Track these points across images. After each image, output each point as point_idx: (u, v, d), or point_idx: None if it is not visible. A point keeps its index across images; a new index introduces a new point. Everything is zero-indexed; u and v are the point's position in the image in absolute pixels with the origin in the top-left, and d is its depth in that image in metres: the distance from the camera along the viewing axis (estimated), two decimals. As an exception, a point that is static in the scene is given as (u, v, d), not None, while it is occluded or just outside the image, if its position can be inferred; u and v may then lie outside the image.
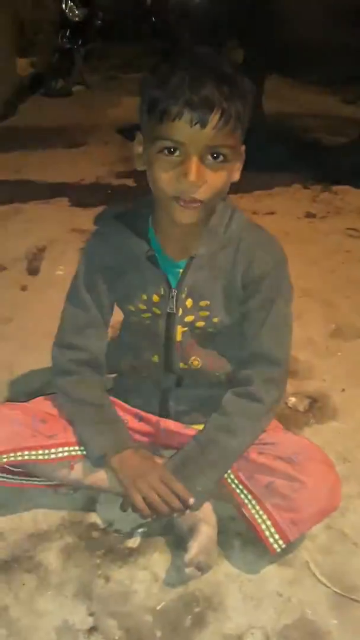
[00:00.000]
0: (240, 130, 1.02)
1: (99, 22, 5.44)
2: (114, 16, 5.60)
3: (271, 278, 1.13)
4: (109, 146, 3.67)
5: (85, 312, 1.20)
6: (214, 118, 0.96)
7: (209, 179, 1.00)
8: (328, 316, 1.99)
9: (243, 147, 1.07)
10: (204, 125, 0.96)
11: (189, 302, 1.14)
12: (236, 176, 1.08)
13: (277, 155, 3.24)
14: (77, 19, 5.05)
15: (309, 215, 2.83)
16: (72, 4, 5.11)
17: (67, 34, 5.06)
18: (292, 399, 1.58)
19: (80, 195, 2.93)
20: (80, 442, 1.17)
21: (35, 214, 2.72)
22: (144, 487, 1.09)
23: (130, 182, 3.09)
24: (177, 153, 1.00)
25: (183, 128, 0.97)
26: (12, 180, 3.12)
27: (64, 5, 5.11)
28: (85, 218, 2.62)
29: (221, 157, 1.00)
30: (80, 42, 5.12)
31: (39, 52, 5.03)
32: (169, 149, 1.00)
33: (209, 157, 1.00)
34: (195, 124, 0.96)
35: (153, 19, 5.76)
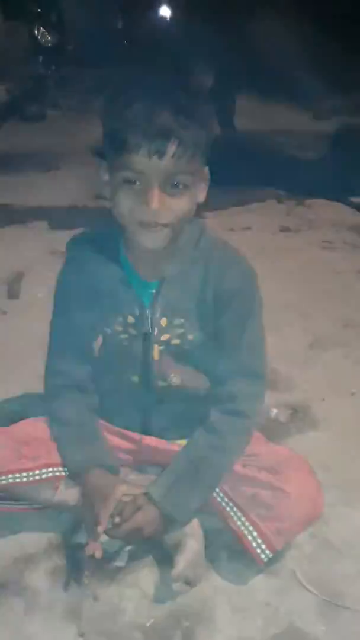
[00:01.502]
0: (200, 154, 1.04)
1: (71, 47, 5.50)
2: (86, 40, 5.67)
3: (242, 294, 1.15)
4: (85, 168, 3.69)
5: (65, 338, 1.22)
6: (171, 148, 0.98)
7: (171, 206, 1.02)
8: (306, 328, 2.02)
9: (206, 170, 1.09)
10: (161, 156, 0.98)
11: (163, 321, 1.16)
12: (201, 197, 1.10)
13: (250, 171, 3.29)
14: (49, 44, 5.11)
15: (284, 229, 2.88)
16: (43, 29, 5.18)
17: (40, 59, 5.11)
18: (274, 410, 1.61)
19: (58, 218, 2.94)
20: (61, 461, 1.18)
21: (14, 238, 2.73)
22: (96, 504, 1.10)
23: (107, 204, 3.11)
24: (138, 183, 1.02)
25: (142, 160, 0.99)
26: (-11, 205, 3.13)
27: (36, 31, 5.17)
28: (64, 240, 2.56)
29: (181, 185, 1.02)
30: (53, 67, 5.18)
31: (13, 78, 5.07)
32: (129, 181, 1.02)
33: (169, 185, 1.02)
34: (153, 155, 0.98)
35: (125, 42, 5.86)
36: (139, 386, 1.22)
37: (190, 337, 1.17)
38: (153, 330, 1.16)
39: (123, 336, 1.18)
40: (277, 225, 2.91)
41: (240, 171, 3.15)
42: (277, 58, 3.40)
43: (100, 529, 1.07)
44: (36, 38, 5.19)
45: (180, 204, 1.04)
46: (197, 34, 3.47)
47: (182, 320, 1.16)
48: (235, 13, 3.28)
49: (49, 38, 5.21)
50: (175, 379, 1.21)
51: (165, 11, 4.91)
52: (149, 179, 1.01)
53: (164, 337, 1.17)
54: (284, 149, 3.99)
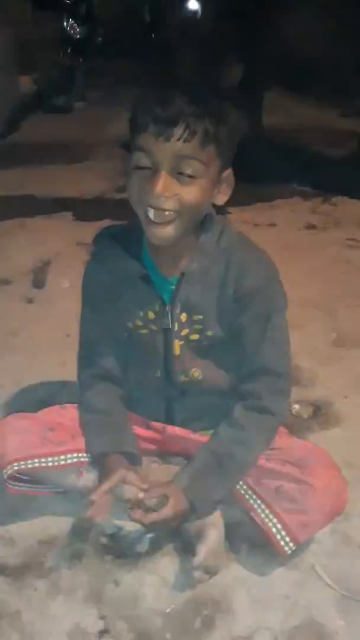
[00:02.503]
0: (216, 150, 1.03)
1: (100, 39, 5.52)
2: (114, 33, 5.68)
3: (263, 292, 1.15)
4: (111, 161, 3.71)
5: (93, 330, 1.25)
6: (179, 131, 0.99)
7: (177, 193, 1.02)
8: (329, 325, 2.01)
9: (228, 172, 1.08)
10: (167, 138, 0.99)
11: (183, 317, 1.17)
12: (221, 199, 1.10)
13: (277, 168, 3.28)
14: (78, 36, 5.14)
15: (309, 226, 2.87)
16: (72, 21, 5.20)
17: (68, 51, 5.14)
18: (296, 406, 1.61)
19: (83, 209, 2.97)
20: (86, 447, 1.20)
21: (40, 229, 2.76)
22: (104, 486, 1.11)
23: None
24: (148, 169, 1.03)
25: (150, 139, 1.01)
26: (17, 196, 3.16)
27: (65, 23, 5.19)
28: (89, 232, 2.62)
29: (190, 172, 1.02)
30: (81, 59, 5.20)
31: (41, 69, 5.10)
32: (140, 166, 1.03)
33: (178, 171, 1.02)
34: (161, 136, 1.00)
35: (153, 35, 5.86)
36: (162, 381, 1.23)
37: (209, 333, 1.18)
38: (173, 325, 1.17)
39: (143, 331, 1.20)
40: (302, 222, 2.90)
41: (267, 167, 3.14)
42: (306, 54, 3.37)
43: (94, 496, 1.08)
44: (65, 29, 5.22)
45: (188, 193, 1.03)
46: (226, 28, 3.46)
47: (201, 316, 1.17)
48: (266, 7, 3.26)
49: (77, 30, 5.23)
50: (196, 374, 1.22)
51: (193, 4, 4.89)
52: (157, 161, 1.01)
53: (184, 332, 1.18)
54: (311, 145, 3.98)
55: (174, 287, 1.16)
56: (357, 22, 3.13)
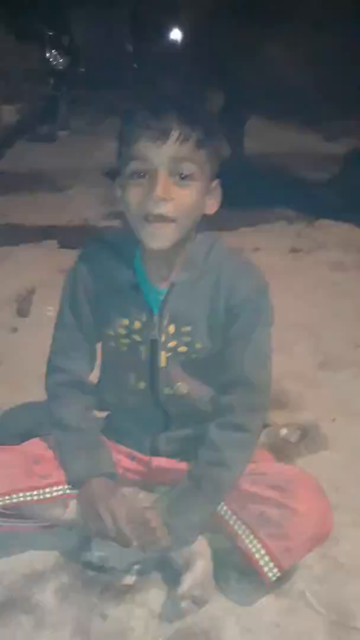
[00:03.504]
0: (207, 155, 1.07)
1: (82, 69, 5.60)
2: (97, 63, 5.76)
3: (252, 304, 1.15)
4: (95, 188, 3.74)
5: (69, 334, 1.23)
6: (174, 134, 1.03)
7: (176, 196, 1.05)
8: (316, 348, 2.02)
9: (215, 182, 1.12)
10: (164, 139, 1.03)
11: (171, 328, 1.17)
12: (211, 209, 1.13)
13: (260, 193, 3.32)
14: (60, 66, 5.21)
15: (294, 250, 2.89)
16: (55, 52, 5.28)
17: (52, 81, 5.21)
18: (284, 430, 1.60)
19: (68, 237, 2.97)
20: (62, 468, 1.19)
21: (24, 257, 2.76)
22: (101, 509, 1.12)
23: (117, 223, 3.15)
24: (145, 177, 1.05)
25: (147, 145, 1.04)
26: (1, 225, 3.17)
27: (47, 54, 5.27)
28: (74, 259, 2.66)
29: (186, 173, 1.05)
30: (64, 89, 5.27)
31: (24, 99, 5.16)
32: (138, 173, 1.06)
33: (175, 175, 1.05)
34: (157, 139, 1.03)
35: (135, 65, 5.95)
36: (146, 393, 1.22)
37: (197, 345, 1.17)
38: (160, 336, 1.17)
39: (124, 340, 1.19)
40: (287, 246, 2.93)
41: (250, 192, 3.17)
42: (287, 79, 3.43)
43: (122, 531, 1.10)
44: (48, 60, 5.29)
45: (185, 197, 1.06)
46: (207, 57, 3.52)
47: (190, 328, 1.17)
48: (246, 36, 3.33)
49: (60, 60, 5.31)
50: (182, 388, 1.21)
51: (175, 34, 4.99)
52: (154, 165, 1.04)
53: (171, 344, 1.18)
54: (294, 170, 4.03)
55: (162, 297, 1.16)
56: (337, 46, 3.19)
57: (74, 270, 1.23)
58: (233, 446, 1.16)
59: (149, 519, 1.11)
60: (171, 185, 1.04)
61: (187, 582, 1.10)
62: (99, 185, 3.76)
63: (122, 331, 1.19)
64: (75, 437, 1.20)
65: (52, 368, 1.25)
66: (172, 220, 1.06)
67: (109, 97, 5.68)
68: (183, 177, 1.05)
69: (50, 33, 5.25)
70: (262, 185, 3.41)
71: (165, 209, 1.04)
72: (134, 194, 1.06)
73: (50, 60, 5.17)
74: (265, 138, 4.53)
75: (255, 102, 3.73)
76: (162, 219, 1.05)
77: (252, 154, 3.87)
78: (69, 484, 1.18)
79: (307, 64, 3.27)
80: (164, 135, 1.03)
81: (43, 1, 5.18)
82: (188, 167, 1.05)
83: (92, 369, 1.27)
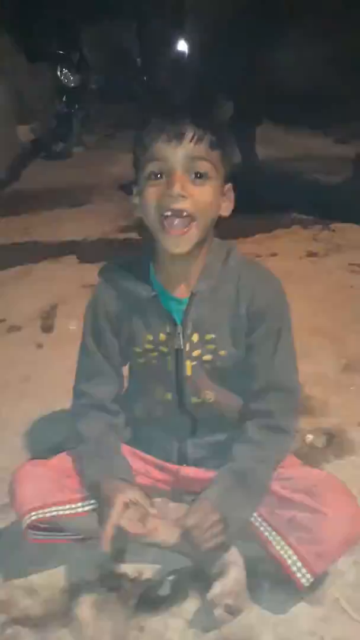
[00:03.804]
0: (221, 156, 1.11)
1: (93, 85, 5.68)
2: (108, 79, 5.84)
3: (274, 308, 1.18)
4: (112, 202, 3.78)
5: (92, 361, 1.26)
6: (190, 133, 1.08)
7: (193, 193, 1.08)
8: (338, 352, 2.02)
9: (229, 186, 1.16)
10: (180, 139, 1.08)
11: (195, 337, 1.19)
12: (225, 211, 1.16)
13: (275, 198, 3.33)
14: (72, 84, 5.30)
15: (311, 254, 2.90)
16: (67, 71, 5.36)
17: (64, 99, 5.29)
18: (310, 436, 1.61)
19: (88, 251, 3.02)
20: (80, 476, 1.21)
21: (46, 273, 2.80)
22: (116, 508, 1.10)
23: (134, 236, 3.18)
24: (163, 177, 1.09)
25: (163, 146, 1.08)
26: (21, 242, 3.22)
27: (59, 73, 5.36)
28: (94, 273, 2.68)
29: (201, 172, 1.09)
30: (76, 106, 5.35)
31: (38, 118, 5.24)
32: (155, 173, 1.09)
33: (191, 173, 1.09)
34: (173, 139, 1.08)
35: (145, 78, 6.02)
36: (173, 404, 1.24)
37: (222, 352, 1.19)
38: (185, 346, 1.19)
39: (153, 354, 1.21)
40: (303, 250, 2.93)
41: (265, 198, 3.19)
42: (296, 85, 3.45)
43: (106, 535, 1.08)
44: (60, 79, 5.38)
45: (202, 194, 1.09)
46: (215, 66, 3.55)
47: (213, 335, 1.18)
48: (253, 42, 3.35)
49: (71, 78, 5.40)
50: (209, 396, 1.23)
51: (182, 46, 5.03)
52: (171, 165, 1.08)
53: (196, 352, 1.20)
54: (307, 174, 4.04)
55: (184, 307, 1.18)
56: (344, 48, 3.20)
57: (94, 298, 1.26)
58: (274, 446, 1.17)
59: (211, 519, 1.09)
60: (188, 183, 1.08)
61: (218, 587, 1.11)
62: (115, 199, 3.81)
63: (149, 346, 1.21)
64: (93, 447, 1.22)
65: (77, 392, 1.28)
66: (192, 218, 1.09)
67: (120, 111, 5.76)
68: (199, 176, 1.09)
69: (61, 52, 5.34)
70: (276, 191, 3.42)
71: (183, 204, 1.07)
72: (151, 193, 1.10)
73: (62, 78, 5.26)
74: (277, 144, 4.55)
75: (264, 109, 3.75)
76: (181, 214, 1.08)
77: (264, 160, 3.88)
78: (87, 489, 1.19)
79: (316, 68, 3.28)
80: (179, 136, 1.07)
81: (52, 21, 5.27)
82: (203, 166, 1.09)
83: (118, 390, 1.28)
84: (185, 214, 1.08)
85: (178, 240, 1.10)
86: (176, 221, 1.08)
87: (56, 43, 5.38)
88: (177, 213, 1.08)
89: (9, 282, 2.73)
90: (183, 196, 1.07)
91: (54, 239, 3.23)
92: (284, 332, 1.19)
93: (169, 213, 1.08)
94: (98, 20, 5.75)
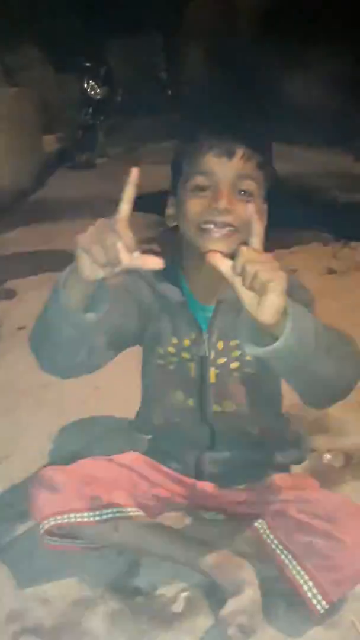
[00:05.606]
0: (263, 176, 1.13)
1: (119, 98, 5.75)
2: (133, 92, 5.90)
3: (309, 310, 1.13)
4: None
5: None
6: (240, 152, 1.10)
7: (237, 209, 1.09)
8: (357, 371, 2.00)
9: (265, 205, 1.16)
10: (231, 156, 1.09)
11: (220, 345, 1.19)
12: None
13: (294, 214, 3.33)
14: (98, 96, 5.37)
15: (331, 271, 2.89)
16: (93, 83, 5.44)
17: (90, 110, 5.36)
18: (328, 456, 1.59)
19: (107, 262, 3.02)
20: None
21: (66, 282, 2.81)
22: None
23: (155, 247, 3.19)
24: (207, 191, 1.10)
25: (213, 160, 1.10)
26: (44, 250, 3.24)
27: (85, 85, 5.43)
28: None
29: (246, 190, 1.11)
30: (102, 118, 5.42)
31: (64, 128, 5.31)
32: (201, 187, 1.11)
33: (237, 189, 1.10)
34: (224, 155, 1.09)
35: (169, 92, 6.07)
36: (194, 411, 1.23)
37: (248, 357, 1.18)
38: (209, 353, 1.19)
39: (173, 359, 1.22)
40: (323, 267, 2.92)
41: (284, 214, 3.18)
42: (312, 104, 3.46)
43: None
44: (86, 90, 5.45)
45: (246, 210, 1.05)
46: (237, 82, 3.58)
47: (239, 341, 1.16)
48: (275, 60, 3.37)
49: (97, 90, 5.47)
50: (230, 405, 1.23)
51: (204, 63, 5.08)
52: (219, 179, 1.09)
53: (220, 360, 1.20)
54: (327, 191, 4.03)
55: (210, 314, 1.19)
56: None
57: (126, 281, 1.19)
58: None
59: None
60: (234, 199, 1.09)
61: (231, 605, 1.10)
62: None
63: (172, 349, 1.21)
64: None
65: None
66: (236, 230, 1.09)
67: (144, 124, 5.81)
68: (243, 193, 1.10)
69: (88, 64, 5.42)
70: (295, 207, 3.42)
71: (227, 218, 1.09)
72: (195, 204, 1.11)
73: (88, 90, 5.33)
74: (295, 160, 4.55)
75: (284, 127, 3.76)
76: (224, 227, 1.09)
77: (284, 176, 3.88)
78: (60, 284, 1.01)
79: (333, 86, 3.29)
80: (230, 152, 1.09)
81: (80, 34, 5.36)
82: (248, 185, 1.11)
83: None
84: (228, 228, 1.09)
85: (219, 242, 1.09)
86: (218, 233, 1.09)
87: (84, 55, 5.47)
88: (221, 225, 1.09)
89: (31, 289, 2.75)
90: (228, 210, 1.08)
91: (75, 247, 3.25)
92: None
93: (211, 226, 1.09)
94: (125, 34, 5.83)
